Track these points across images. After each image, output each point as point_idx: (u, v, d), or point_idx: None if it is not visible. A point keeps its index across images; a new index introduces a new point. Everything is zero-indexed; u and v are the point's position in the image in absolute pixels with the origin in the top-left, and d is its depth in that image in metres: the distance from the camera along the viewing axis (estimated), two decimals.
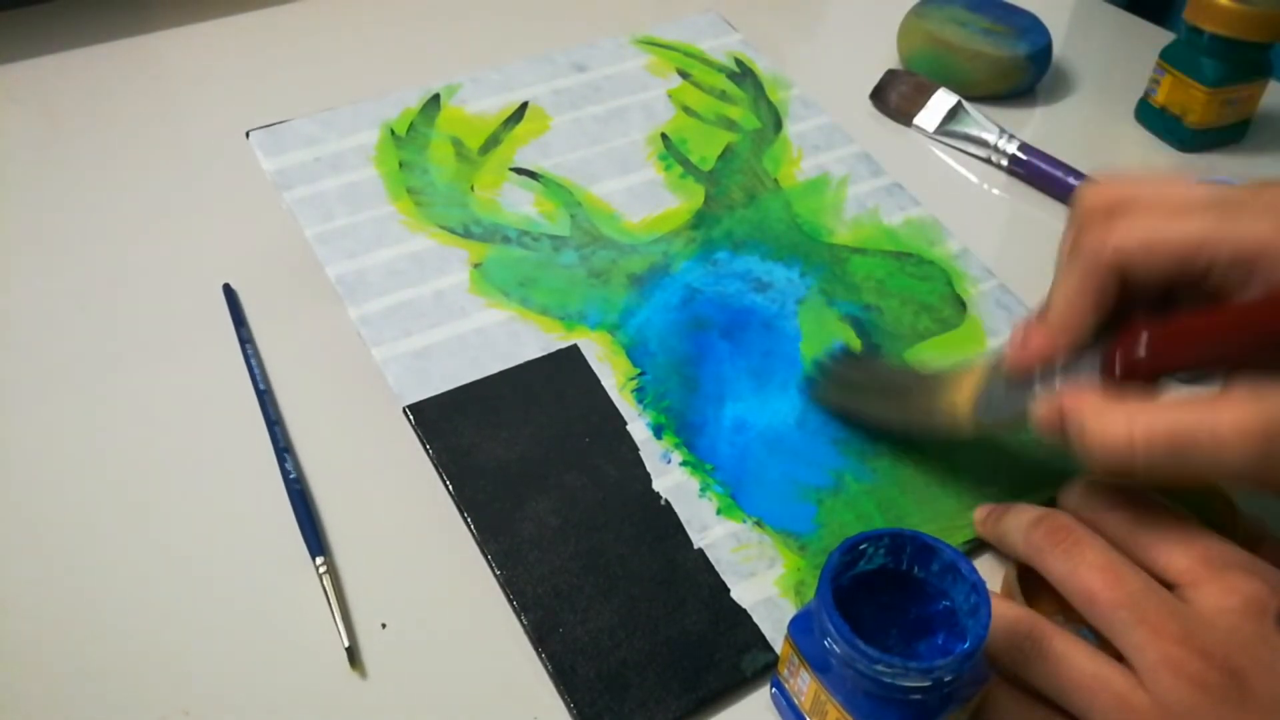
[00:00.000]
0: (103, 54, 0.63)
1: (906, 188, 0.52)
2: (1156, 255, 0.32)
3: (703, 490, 0.39)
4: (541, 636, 0.35)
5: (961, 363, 0.40)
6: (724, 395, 0.42)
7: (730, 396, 0.42)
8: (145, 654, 0.35)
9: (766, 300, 0.45)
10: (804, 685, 0.32)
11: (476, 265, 0.44)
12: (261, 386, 0.43)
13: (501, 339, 0.42)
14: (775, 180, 0.50)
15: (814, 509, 0.39)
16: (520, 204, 0.47)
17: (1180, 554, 0.32)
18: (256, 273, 0.48)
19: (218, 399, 0.43)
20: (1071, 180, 0.56)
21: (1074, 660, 0.31)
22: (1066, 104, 0.64)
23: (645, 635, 0.35)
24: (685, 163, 0.50)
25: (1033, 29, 0.63)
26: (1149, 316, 0.33)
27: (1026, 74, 0.62)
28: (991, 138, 0.58)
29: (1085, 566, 0.32)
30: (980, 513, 0.39)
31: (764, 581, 0.37)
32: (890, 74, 0.62)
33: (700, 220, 0.48)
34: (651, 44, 0.55)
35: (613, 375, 0.42)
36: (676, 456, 0.40)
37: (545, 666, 0.35)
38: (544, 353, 0.42)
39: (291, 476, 0.40)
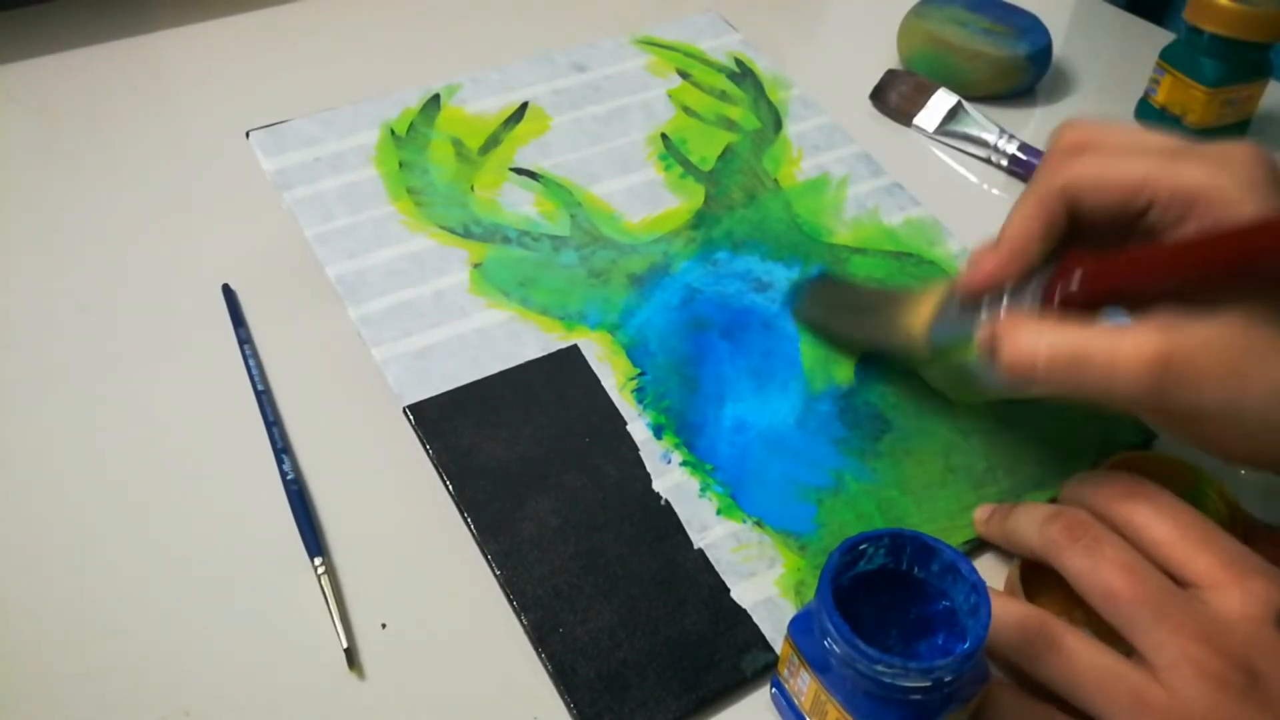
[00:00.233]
0: (103, 54, 0.63)
1: (906, 188, 0.52)
2: (1103, 191, 0.34)
3: (703, 490, 0.39)
4: (541, 636, 0.35)
5: (925, 285, 0.41)
6: (724, 395, 0.42)
7: (730, 396, 0.42)
8: (145, 654, 0.35)
9: (766, 300, 0.45)
10: (804, 685, 0.32)
11: (476, 265, 0.44)
12: (260, 387, 0.43)
13: (501, 339, 0.42)
14: (775, 180, 0.50)
15: (814, 509, 0.39)
16: (520, 204, 0.47)
17: (1200, 556, 0.33)
18: (256, 273, 0.48)
19: (217, 399, 0.43)
20: None
21: (1087, 656, 0.32)
22: (1066, 104, 0.64)
23: (645, 635, 0.35)
24: (685, 163, 0.50)
25: (1033, 29, 0.63)
26: (1086, 250, 0.34)
27: (1026, 74, 0.62)
28: (991, 138, 0.58)
29: (1106, 563, 0.32)
30: (982, 513, 0.39)
31: (764, 581, 0.37)
32: (890, 74, 0.62)
33: (700, 220, 0.48)
34: (651, 44, 0.55)
35: (613, 375, 0.42)
36: (676, 456, 0.40)
37: (545, 666, 0.35)
38: (544, 353, 0.42)
39: (290, 477, 0.40)
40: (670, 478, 0.39)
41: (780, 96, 0.54)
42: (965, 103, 0.60)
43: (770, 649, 0.36)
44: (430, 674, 0.35)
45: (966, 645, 0.29)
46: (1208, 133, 0.60)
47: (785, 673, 0.33)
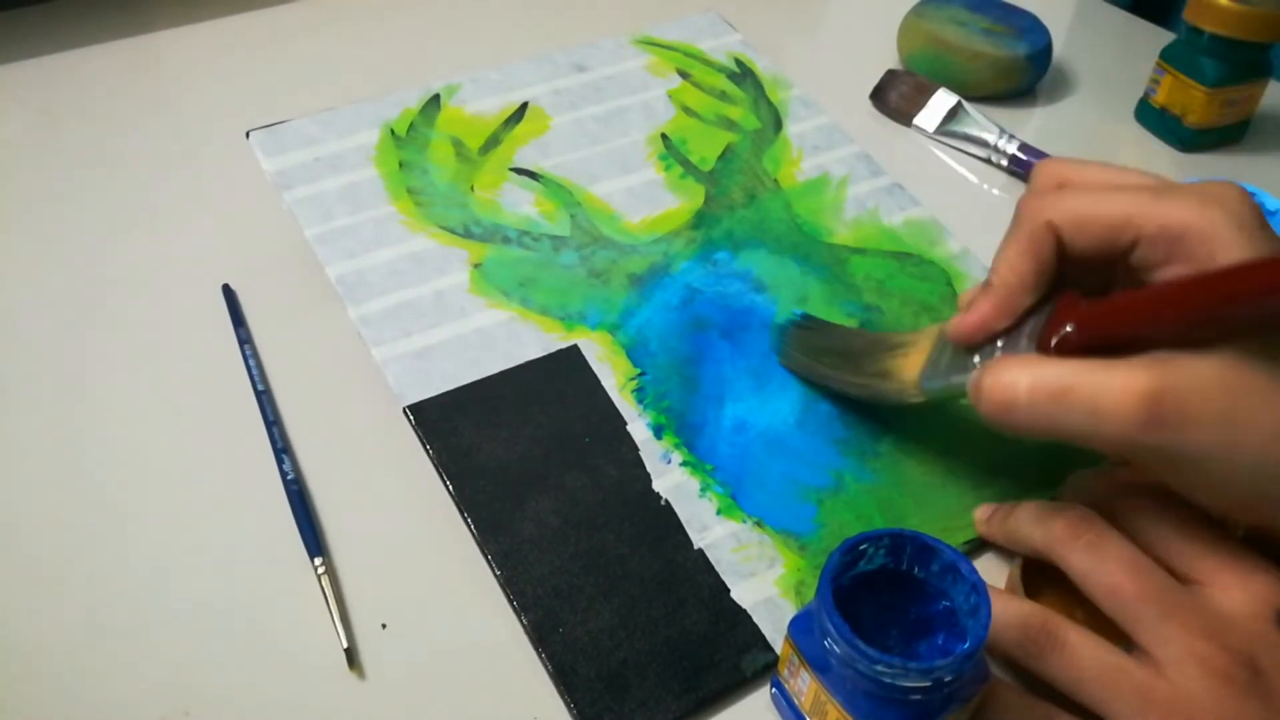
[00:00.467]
0: (103, 54, 0.63)
1: (906, 188, 0.52)
2: (1086, 227, 0.34)
3: (703, 490, 0.39)
4: (542, 637, 0.35)
5: (914, 331, 0.40)
6: (724, 395, 0.42)
7: (730, 397, 0.42)
8: (145, 654, 0.35)
9: (766, 300, 0.45)
10: (804, 685, 0.32)
11: (477, 265, 0.44)
12: (260, 387, 0.43)
13: (502, 339, 0.42)
14: (775, 180, 0.50)
15: (814, 509, 0.39)
16: (520, 204, 0.47)
17: (1202, 555, 0.33)
18: (256, 273, 0.48)
19: (217, 399, 0.43)
20: None
21: (1091, 653, 0.32)
22: (1066, 104, 0.64)
23: (645, 635, 0.35)
24: (685, 163, 0.50)
25: (1033, 29, 0.63)
26: (1078, 294, 0.34)
27: (1026, 74, 0.62)
28: (991, 138, 0.58)
29: (1110, 561, 0.33)
30: (983, 512, 0.39)
31: (764, 582, 0.37)
32: (890, 74, 0.62)
33: (700, 220, 0.48)
34: (651, 44, 0.55)
35: (613, 375, 0.42)
36: (676, 457, 0.40)
37: (545, 667, 0.35)
38: (544, 353, 0.42)
39: (290, 477, 0.40)
40: (670, 478, 0.39)
41: (780, 97, 0.54)
42: (965, 103, 0.60)
43: (770, 649, 0.36)
44: (430, 674, 0.35)
45: (966, 645, 0.29)
46: (1207, 132, 0.60)
47: (785, 673, 0.33)
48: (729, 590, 0.37)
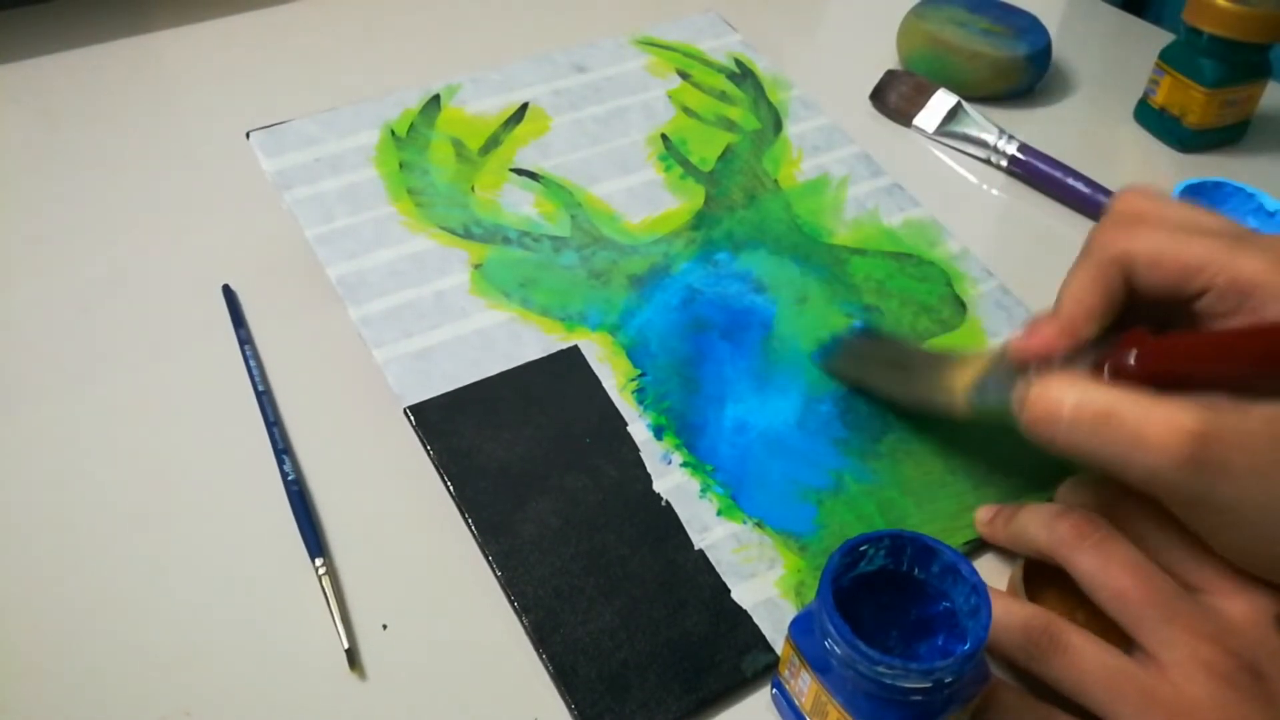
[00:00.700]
0: (103, 54, 0.63)
1: (906, 188, 0.52)
2: (1160, 268, 0.33)
3: (703, 491, 0.39)
4: (542, 637, 0.35)
5: (973, 351, 0.40)
6: (724, 396, 0.42)
7: (731, 397, 0.42)
8: (146, 655, 0.35)
9: (767, 301, 0.46)
10: (805, 686, 0.32)
11: (477, 266, 0.44)
12: (261, 387, 0.43)
13: (502, 340, 0.42)
14: (775, 181, 0.50)
15: (814, 510, 0.39)
16: (520, 205, 0.47)
17: (1203, 562, 0.33)
18: (256, 273, 0.48)
19: (217, 400, 0.43)
20: (1071, 181, 0.56)
21: (1094, 655, 0.32)
22: (1066, 104, 0.65)
23: (646, 636, 0.36)
24: (685, 163, 0.50)
25: (1032, 29, 0.63)
26: (1148, 330, 0.33)
27: (1026, 74, 0.62)
28: (991, 138, 0.58)
29: (1116, 564, 0.33)
30: (984, 514, 0.39)
31: (764, 582, 0.37)
32: (890, 74, 0.62)
33: (700, 221, 0.48)
34: (651, 44, 0.55)
35: (613, 376, 0.42)
36: (677, 457, 0.40)
37: (546, 667, 0.35)
38: (545, 354, 0.42)
39: (290, 478, 0.40)
40: (671, 478, 0.39)
41: (780, 97, 0.54)
42: (965, 103, 0.60)
43: (771, 650, 0.36)
44: (431, 675, 0.35)
45: (967, 646, 0.29)
46: (1207, 133, 0.60)
47: (786, 673, 0.33)
48: (729, 591, 0.37)
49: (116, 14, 0.65)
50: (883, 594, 0.32)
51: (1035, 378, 0.34)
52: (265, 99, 0.59)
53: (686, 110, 0.52)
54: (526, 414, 0.40)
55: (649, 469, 0.40)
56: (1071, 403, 0.31)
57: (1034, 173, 0.57)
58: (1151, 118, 0.62)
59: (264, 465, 0.41)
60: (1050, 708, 0.33)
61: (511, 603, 0.36)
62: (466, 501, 0.38)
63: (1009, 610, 0.34)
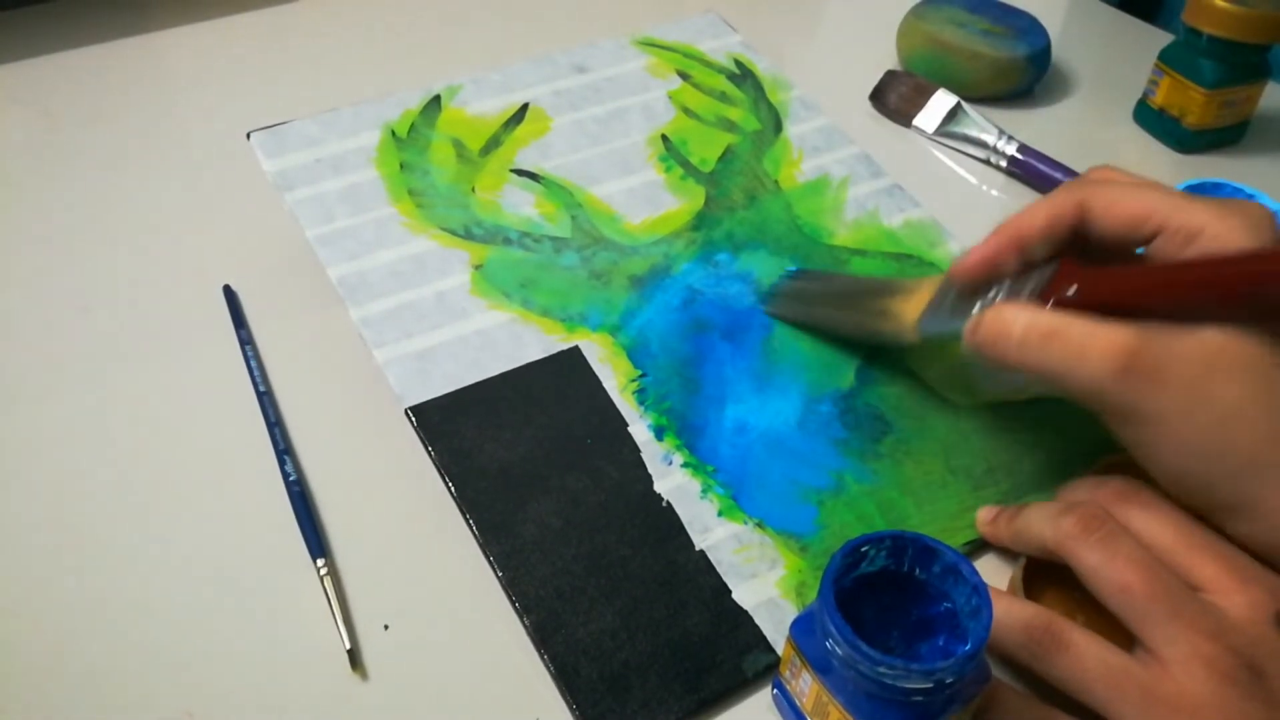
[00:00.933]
0: (103, 54, 0.63)
1: (906, 189, 0.52)
2: (1114, 212, 0.36)
3: (704, 492, 0.39)
4: (544, 638, 0.35)
5: (914, 279, 0.42)
6: (725, 397, 0.42)
7: (731, 398, 0.42)
8: (148, 655, 0.35)
9: None
10: (806, 686, 0.32)
11: (478, 267, 0.44)
12: (262, 388, 0.43)
13: (503, 340, 0.42)
14: (775, 182, 0.50)
15: (815, 510, 0.39)
16: (521, 205, 0.47)
17: (1203, 562, 0.33)
18: (257, 274, 0.48)
19: (218, 400, 0.43)
20: None
21: (1096, 654, 0.32)
22: (1065, 105, 0.65)
23: (647, 636, 0.36)
24: (686, 164, 0.50)
25: (1031, 30, 0.63)
26: (1077, 260, 0.36)
27: (1025, 75, 0.63)
28: (991, 139, 0.58)
29: (1121, 559, 0.33)
30: (987, 514, 0.39)
31: (765, 583, 0.37)
32: (890, 75, 0.63)
33: (701, 222, 0.48)
34: (652, 45, 0.55)
35: (614, 377, 0.42)
36: (678, 458, 0.40)
37: (547, 668, 0.35)
38: (545, 354, 0.42)
39: (292, 478, 0.40)
40: (672, 479, 0.39)
41: (780, 98, 0.54)
42: (964, 104, 0.60)
43: (772, 650, 0.36)
44: (433, 675, 0.35)
45: (968, 647, 0.29)
46: (1206, 134, 0.60)
47: (787, 674, 0.33)
48: (730, 591, 0.37)
49: (116, 14, 0.65)
50: (884, 594, 0.32)
51: (982, 307, 0.37)
52: (266, 99, 0.59)
53: (687, 111, 0.52)
54: (527, 415, 0.40)
55: (650, 470, 0.40)
56: (1021, 324, 0.34)
57: (1034, 173, 0.57)
58: (1151, 118, 0.62)
59: (265, 466, 0.41)
60: (1051, 708, 0.33)
61: (513, 603, 0.36)
62: (467, 502, 0.38)
63: (1010, 610, 0.34)
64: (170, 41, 0.64)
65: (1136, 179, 0.37)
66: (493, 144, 0.49)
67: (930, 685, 0.29)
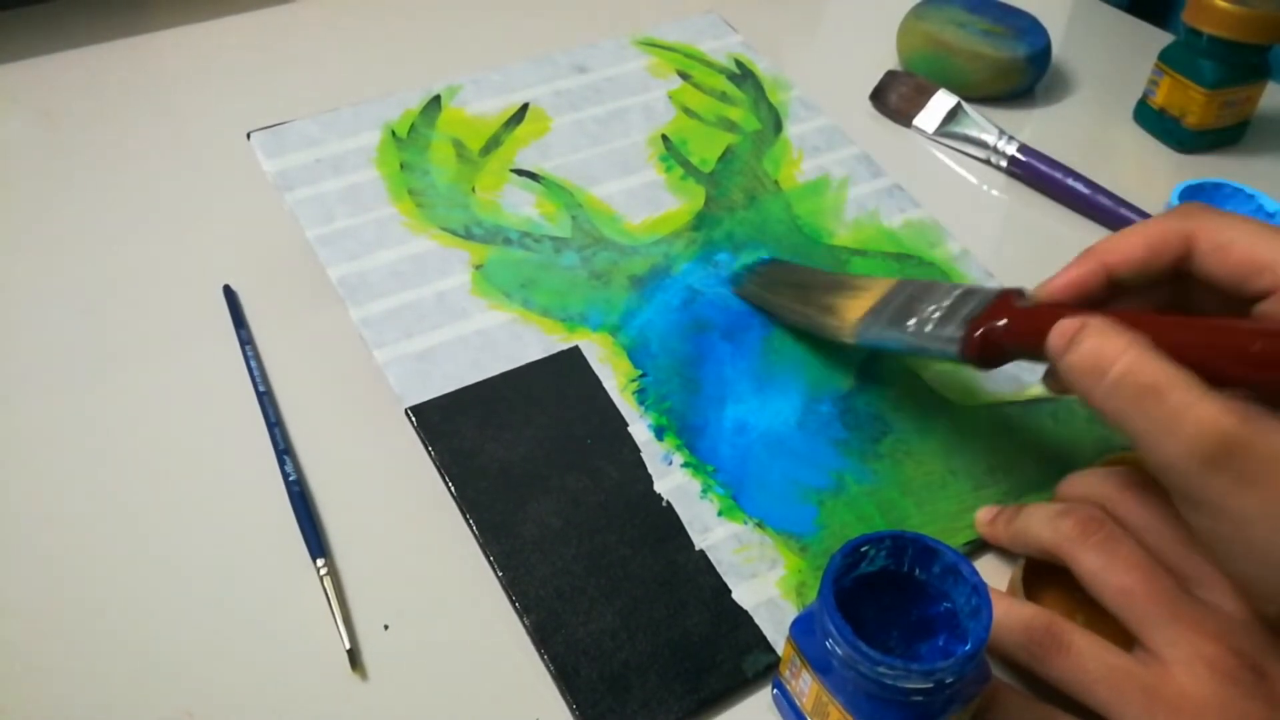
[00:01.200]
0: (103, 54, 0.63)
1: (906, 189, 0.52)
2: (1226, 256, 0.32)
3: (704, 492, 0.39)
4: (544, 638, 0.35)
5: (876, 279, 0.42)
6: (725, 397, 0.42)
7: (731, 398, 0.42)
8: (148, 656, 0.35)
9: None
10: (806, 686, 0.32)
11: (478, 267, 0.44)
12: (262, 388, 0.43)
13: (503, 340, 0.42)
14: (776, 182, 0.50)
15: (815, 510, 0.39)
16: (521, 205, 0.47)
17: (1207, 561, 0.33)
18: (257, 274, 0.48)
19: (218, 400, 0.43)
20: (1070, 181, 0.56)
21: (1096, 654, 0.32)
22: (1065, 105, 0.65)
23: (647, 636, 0.36)
24: (686, 164, 0.50)
25: (1032, 30, 0.63)
26: (1014, 295, 0.35)
27: (1026, 75, 0.63)
28: (991, 139, 0.58)
29: (1121, 561, 0.33)
30: (986, 514, 0.39)
31: (765, 583, 0.37)
32: (890, 75, 0.62)
33: (701, 222, 0.48)
34: (652, 45, 0.55)
35: (614, 377, 0.42)
36: (678, 458, 0.40)
37: (547, 668, 0.35)
38: (546, 354, 0.42)
39: (292, 478, 0.40)
40: (672, 479, 0.39)
41: (780, 98, 0.54)
42: (965, 104, 0.60)
43: (772, 650, 0.36)
44: (433, 675, 0.35)
45: (968, 647, 0.29)
46: (1206, 134, 0.60)
47: (787, 674, 0.33)
48: (730, 591, 0.37)
49: (116, 14, 0.65)
50: (884, 595, 0.32)
51: (918, 325, 0.36)
52: (266, 99, 0.59)
53: (687, 111, 0.52)
54: (528, 415, 0.40)
55: (650, 470, 0.40)
56: (1124, 364, 0.29)
57: (1034, 173, 0.57)
58: (1151, 118, 0.62)
59: (265, 466, 0.41)
60: (1051, 708, 0.33)
61: (513, 603, 0.36)
62: (468, 502, 0.38)
63: (1010, 610, 0.34)
64: (170, 41, 0.64)
65: (1250, 218, 0.33)
66: (493, 144, 0.49)
67: (930, 685, 0.29)
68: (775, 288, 0.45)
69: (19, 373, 0.44)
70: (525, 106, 0.50)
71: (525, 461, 0.39)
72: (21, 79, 0.60)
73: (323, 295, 0.44)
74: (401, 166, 0.47)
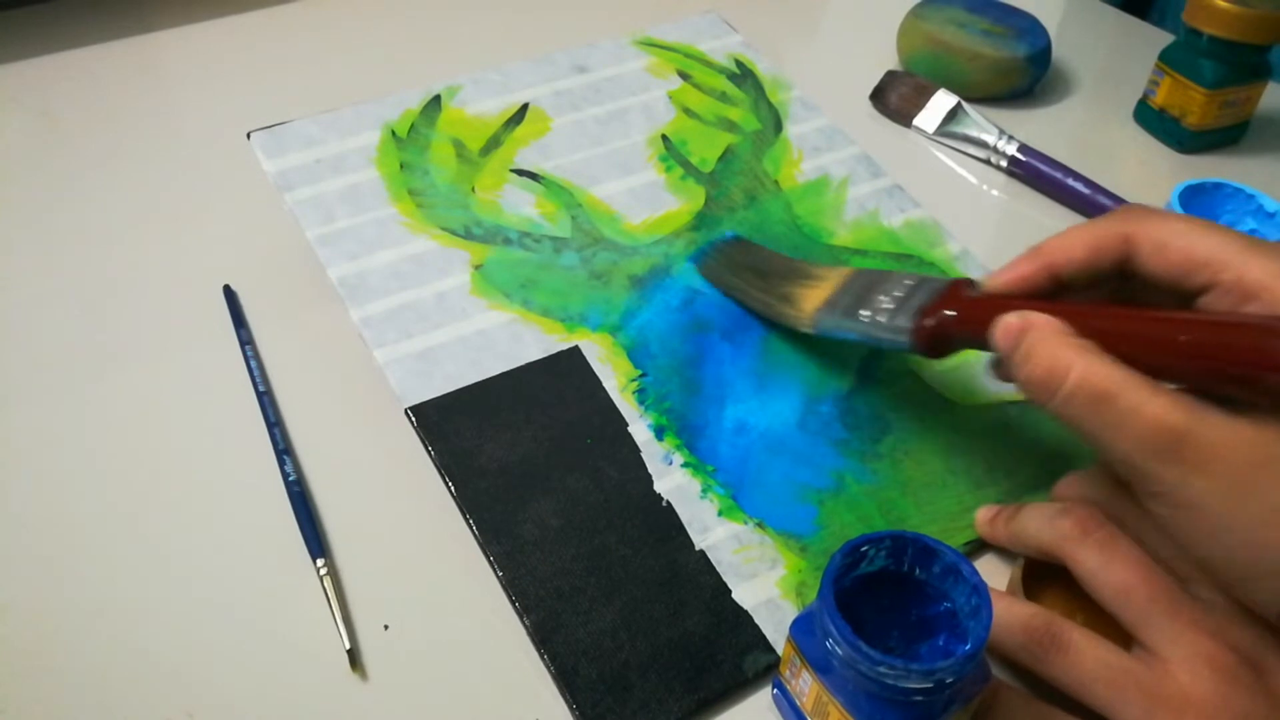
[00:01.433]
0: (103, 54, 0.63)
1: (906, 189, 0.52)
2: (1166, 255, 0.33)
3: (704, 492, 0.39)
4: (544, 638, 0.35)
5: (833, 267, 0.42)
6: (725, 397, 0.42)
7: (731, 398, 0.42)
8: (147, 656, 0.35)
9: None
10: (806, 686, 0.32)
11: (478, 267, 0.44)
12: (262, 388, 0.43)
13: (503, 340, 0.42)
14: (776, 182, 0.50)
15: (815, 510, 0.39)
16: (521, 205, 0.47)
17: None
18: (257, 274, 0.48)
19: (218, 400, 0.43)
20: (1070, 181, 0.56)
21: (1096, 653, 0.32)
22: (1066, 105, 0.65)
23: (647, 636, 0.36)
24: (686, 164, 0.50)
25: (1032, 30, 0.63)
26: (965, 285, 0.36)
27: (1026, 75, 0.63)
28: (991, 139, 0.58)
29: (1120, 560, 0.33)
30: (985, 514, 0.39)
31: (765, 583, 0.37)
32: (890, 75, 0.63)
33: (701, 222, 0.48)
34: (652, 45, 0.55)
35: (614, 377, 0.42)
36: (678, 458, 0.40)
37: (548, 668, 0.35)
38: (545, 354, 0.42)
39: (291, 478, 0.40)
40: (671, 479, 0.39)
41: (780, 98, 0.54)
42: (965, 104, 0.60)
43: (772, 650, 0.36)
44: (433, 675, 0.35)
45: (968, 647, 0.29)
46: (1206, 134, 0.60)
47: (787, 674, 0.33)
48: (730, 591, 0.37)
49: (116, 14, 0.65)
50: (884, 594, 0.32)
51: (871, 315, 0.37)
52: (266, 99, 0.59)
53: (687, 111, 0.52)
54: (527, 415, 0.40)
55: (650, 469, 0.40)
56: (1077, 374, 0.30)
57: (1034, 173, 0.57)
58: (1151, 118, 0.62)
59: (265, 466, 0.41)
60: (1052, 707, 0.33)
61: (513, 603, 0.36)
62: (468, 502, 0.38)
63: (1010, 610, 0.34)
64: (170, 41, 0.64)
65: (1190, 217, 0.34)
66: (493, 144, 0.49)
67: (930, 685, 0.29)
68: (737, 270, 0.45)
69: (19, 373, 0.44)
70: (525, 106, 0.50)
71: (525, 461, 0.39)
72: (21, 79, 0.60)
73: (323, 295, 0.44)
74: (401, 166, 0.47)
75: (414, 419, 0.40)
